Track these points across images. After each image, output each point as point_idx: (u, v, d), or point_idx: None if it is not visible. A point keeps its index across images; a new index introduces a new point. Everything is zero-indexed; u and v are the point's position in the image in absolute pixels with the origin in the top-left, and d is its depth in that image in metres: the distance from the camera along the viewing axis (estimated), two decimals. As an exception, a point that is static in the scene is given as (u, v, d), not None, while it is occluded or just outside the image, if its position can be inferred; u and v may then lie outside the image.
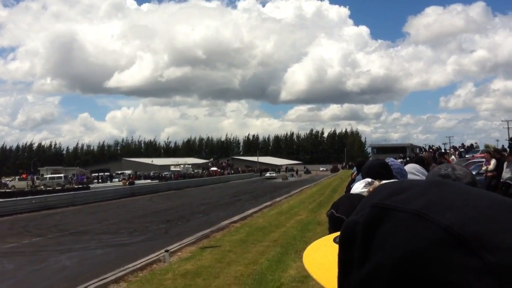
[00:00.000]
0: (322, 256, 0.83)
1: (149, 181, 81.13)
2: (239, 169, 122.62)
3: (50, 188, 59.57)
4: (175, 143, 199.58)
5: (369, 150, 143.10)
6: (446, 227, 0.50)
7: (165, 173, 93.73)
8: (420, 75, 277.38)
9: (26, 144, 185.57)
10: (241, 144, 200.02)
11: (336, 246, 0.87)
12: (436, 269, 0.48)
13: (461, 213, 0.51)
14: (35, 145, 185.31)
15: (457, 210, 0.52)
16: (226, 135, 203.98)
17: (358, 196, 2.19)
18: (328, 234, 2.12)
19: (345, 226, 0.58)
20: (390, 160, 3.59)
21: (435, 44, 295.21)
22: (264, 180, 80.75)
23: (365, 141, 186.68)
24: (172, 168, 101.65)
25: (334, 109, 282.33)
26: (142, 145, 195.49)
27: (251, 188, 53.08)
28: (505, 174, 14.88)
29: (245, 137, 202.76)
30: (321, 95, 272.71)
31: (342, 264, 0.58)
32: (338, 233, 0.96)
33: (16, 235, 21.03)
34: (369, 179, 2.52)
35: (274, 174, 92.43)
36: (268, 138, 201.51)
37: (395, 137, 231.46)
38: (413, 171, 3.74)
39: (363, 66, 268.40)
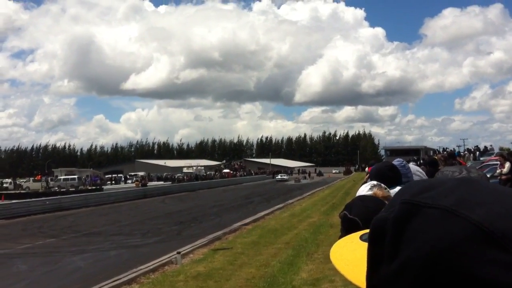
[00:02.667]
0: (349, 253, 0.85)
1: (162, 182, 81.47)
2: (252, 171, 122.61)
3: (64, 190, 60.04)
4: (188, 145, 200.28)
5: (382, 152, 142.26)
6: (477, 223, 0.51)
7: (178, 175, 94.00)
8: (436, 77, 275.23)
9: (40, 145, 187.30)
10: (254, 146, 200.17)
11: (363, 244, 0.90)
12: (467, 264, 0.49)
13: (490, 210, 0.52)
14: (50, 147, 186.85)
15: (487, 207, 0.53)
16: (239, 137, 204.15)
17: (372, 198, 2.19)
18: (341, 236, 2.12)
19: (375, 223, 0.59)
20: (396, 161, 3.58)
21: (452, 46, 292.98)
22: (276, 182, 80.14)
23: (379, 143, 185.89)
24: (185, 170, 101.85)
25: (348, 111, 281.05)
26: (156, 146, 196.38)
27: (264, 190, 53.05)
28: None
29: (258, 139, 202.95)
30: (335, 97, 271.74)
31: (372, 259, 0.59)
32: (364, 231, 0.99)
33: (30, 236, 21.22)
34: (374, 182, 2.51)
35: (285, 177, 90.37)
36: (282, 140, 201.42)
37: (409, 139, 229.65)
38: (417, 173, 3.74)
39: (379, 68, 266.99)
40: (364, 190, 2.50)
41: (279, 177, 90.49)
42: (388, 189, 2.48)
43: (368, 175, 8.13)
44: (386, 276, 0.55)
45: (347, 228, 2.02)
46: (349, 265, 0.80)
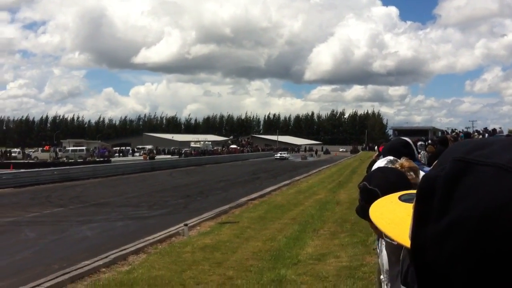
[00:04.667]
0: (389, 212, 0.85)
1: (169, 156, 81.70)
2: (259, 147, 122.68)
3: (72, 160, 60.33)
4: (196, 120, 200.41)
5: (390, 132, 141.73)
6: None
7: (185, 149, 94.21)
8: (448, 58, 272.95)
9: (48, 116, 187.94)
10: (262, 122, 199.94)
11: (403, 204, 0.90)
12: None
13: None
14: (59, 118, 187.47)
15: None
16: (246, 113, 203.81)
17: (392, 169, 2.17)
18: (359, 206, 2.11)
19: (424, 181, 0.57)
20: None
21: (465, 27, 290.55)
22: (283, 159, 79.28)
23: (387, 123, 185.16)
24: (192, 145, 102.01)
25: (357, 90, 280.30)
26: (164, 121, 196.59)
27: (270, 167, 53.16)
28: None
29: (266, 116, 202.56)
30: (345, 75, 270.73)
31: (418, 218, 0.57)
32: (403, 192, 1.00)
33: (38, 205, 21.42)
34: (391, 157, 2.48)
35: (285, 155, 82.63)
36: (289, 117, 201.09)
37: (418, 120, 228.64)
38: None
39: (391, 48, 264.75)
40: (381, 165, 2.49)
41: (278, 155, 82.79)
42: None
43: (377, 153, 8.11)
44: (434, 234, 0.53)
45: (366, 199, 2.00)
46: (390, 224, 0.81)
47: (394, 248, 2.04)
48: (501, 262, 0.47)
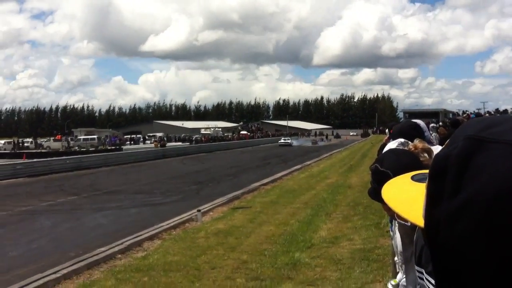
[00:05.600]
0: (402, 192, 0.86)
1: (180, 143, 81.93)
2: (269, 133, 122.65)
3: (84, 149, 60.73)
4: (205, 106, 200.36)
5: (400, 115, 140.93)
6: None
7: (196, 136, 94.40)
8: (458, 40, 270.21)
9: (59, 106, 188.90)
10: (271, 108, 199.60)
11: (416, 184, 0.91)
12: None
13: None
14: (69, 107, 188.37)
15: None
16: (255, 99, 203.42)
17: (405, 151, 2.16)
18: (371, 190, 2.11)
19: (436, 159, 0.57)
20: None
21: (475, 8, 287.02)
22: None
23: (397, 106, 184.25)
24: (203, 131, 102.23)
25: (367, 73, 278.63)
26: (173, 108, 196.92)
27: (281, 152, 53.17)
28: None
29: (275, 101, 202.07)
30: (354, 59, 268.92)
31: (431, 196, 0.56)
32: (415, 172, 1.01)
33: (52, 193, 21.62)
34: (402, 139, 2.48)
35: (289, 140, 76.93)
36: (298, 102, 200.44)
37: (428, 102, 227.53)
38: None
39: (400, 30, 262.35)
40: (392, 147, 2.48)
41: (282, 140, 77.23)
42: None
43: (388, 136, 8.09)
44: (447, 212, 0.53)
45: (378, 180, 2.00)
46: (403, 204, 0.82)
47: (407, 230, 2.05)
48: None
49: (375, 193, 1.98)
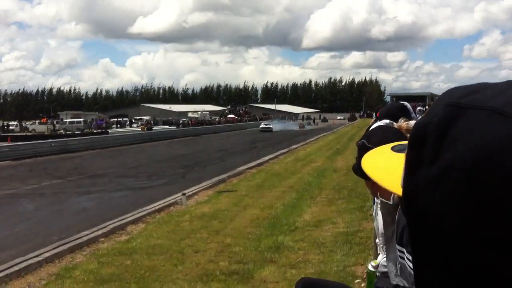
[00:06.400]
0: (382, 162, 0.89)
1: (167, 127, 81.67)
2: (257, 116, 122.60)
3: (70, 132, 60.31)
4: (193, 90, 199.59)
5: (388, 99, 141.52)
6: None
7: (183, 119, 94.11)
8: (447, 23, 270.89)
9: (45, 88, 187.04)
10: (259, 92, 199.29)
11: (396, 154, 0.91)
12: None
13: None
14: (55, 90, 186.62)
15: None
16: (245, 83, 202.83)
17: (393, 128, 2.14)
18: (355, 166, 2.08)
19: (416, 127, 0.55)
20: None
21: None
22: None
23: (385, 89, 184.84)
24: (190, 115, 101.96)
25: (356, 56, 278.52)
26: (161, 91, 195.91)
27: (268, 136, 53.22)
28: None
29: (264, 85, 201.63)
30: (343, 42, 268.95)
31: (410, 164, 0.55)
32: (396, 143, 1.01)
33: (36, 177, 21.43)
34: (387, 120, 2.46)
35: (271, 125, 69.14)
36: (287, 86, 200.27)
37: (416, 85, 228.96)
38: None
39: (389, 13, 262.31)
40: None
41: (263, 125, 69.79)
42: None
43: (375, 119, 8.10)
44: (426, 180, 0.51)
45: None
46: (382, 173, 0.83)
47: (389, 208, 2.03)
48: (491, 207, 0.46)
49: (360, 169, 1.96)
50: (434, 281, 0.52)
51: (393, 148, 0.98)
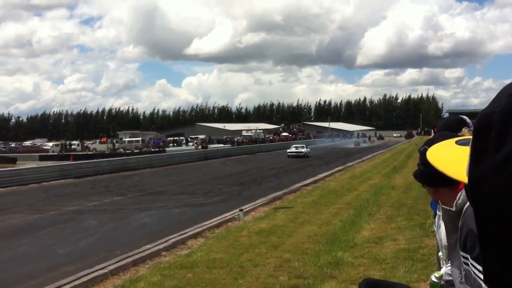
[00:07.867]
0: (447, 154, 0.92)
1: (221, 145, 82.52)
2: (310, 134, 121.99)
3: (129, 151, 61.88)
4: (247, 108, 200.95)
5: (446, 115, 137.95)
6: None
7: (237, 138, 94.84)
8: (506, 38, 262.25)
9: (104, 109, 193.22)
10: (312, 110, 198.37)
11: (460, 147, 0.96)
12: None
13: None
14: (114, 110, 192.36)
15: None
16: (298, 101, 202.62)
17: (454, 134, 2.15)
18: (416, 172, 2.11)
19: (480, 117, 0.57)
20: None
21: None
22: (336, 145, 75.10)
23: (442, 106, 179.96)
24: (244, 133, 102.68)
25: (412, 73, 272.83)
26: (216, 110, 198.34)
27: (323, 153, 52.86)
28: None
29: (317, 102, 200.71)
30: (399, 59, 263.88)
31: (475, 153, 0.57)
32: (460, 137, 1.05)
33: (98, 194, 22.17)
34: (447, 132, 2.47)
35: (303, 150, 50.21)
36: (340, 103, 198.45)
37: (475, 102, 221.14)
38: None
39: (446, 29, 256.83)
40: None
41: (293, 149, 51.44)
42: None
43: (433, 135, 7.98)
44: (491, 166, 0.53)
45: (425, 163, 2.00)
46: (447, 163, 0.86)
47: (451, 216, 2.04)
48: None
49: (421, 175, 1.99)
50: (501, 269, 0.54)
51: (457, 142, 1.03)
